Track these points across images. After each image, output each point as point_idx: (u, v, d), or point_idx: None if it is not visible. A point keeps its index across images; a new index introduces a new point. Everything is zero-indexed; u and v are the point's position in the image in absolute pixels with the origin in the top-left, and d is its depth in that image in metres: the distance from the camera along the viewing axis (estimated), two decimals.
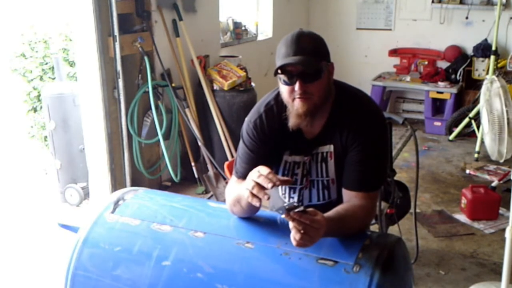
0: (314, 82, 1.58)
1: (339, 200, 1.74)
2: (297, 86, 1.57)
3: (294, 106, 1.61)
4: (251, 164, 1.72)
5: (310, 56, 1.56)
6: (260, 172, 1.43)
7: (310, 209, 1.41)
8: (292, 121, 1.64)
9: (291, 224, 1.37)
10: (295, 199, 1.85)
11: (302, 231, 1.36)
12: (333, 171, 1.74)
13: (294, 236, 1.37)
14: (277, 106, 1.71)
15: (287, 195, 1.87)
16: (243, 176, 1.72)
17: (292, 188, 1.84)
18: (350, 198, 1.65)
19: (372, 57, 6.28)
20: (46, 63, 4.55)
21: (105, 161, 3.58)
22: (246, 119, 1.79)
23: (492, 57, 4.54)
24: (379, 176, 1.72)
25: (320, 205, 1.81)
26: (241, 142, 1.79)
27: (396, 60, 6.16)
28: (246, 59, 4.73)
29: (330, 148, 1.72)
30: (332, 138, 1.71)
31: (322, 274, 1.45)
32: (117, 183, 3.65)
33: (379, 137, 1.70)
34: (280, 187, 1.87)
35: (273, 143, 1.75)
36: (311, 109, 1.61)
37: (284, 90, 1.63)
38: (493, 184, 3.89)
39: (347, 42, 6.37)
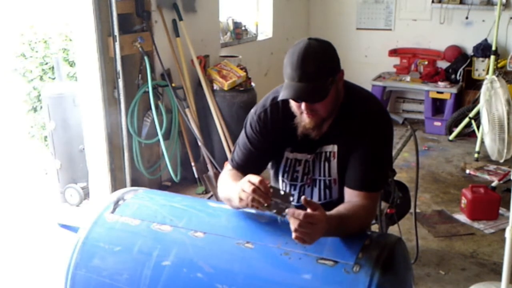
0: (320, 102, 1.60)
1: (340, 200, 1.75)
2: (303, 106, 1.61)
3: (302, 119, 1.65)
4: (248, 156, 1.78)
5: (314, 82, 1.56)
6: (252, 183, 1.46)
7: (312, 202, 1.41)
8: (300, 130, 1.68)
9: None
10: (295, 197, 1.86)
11: (298, 227, 1.37)
12: (336, 171, 1.75)
13: (292, 230, 1.39)
14: (283, 103, 1.72)
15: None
16: (237, 167, 1.79)
17: (292, 185, 1.85)
18: (351, 197, 1.66)
19: (372, 57, 6.27)
20: (46, 63, 4.55)
21: (105, 161, 3.58)
22: (252, 110, 1.81)
23: (492, 57, 4.54)
24: (381, 176, 1.73)
25: (321, 205, 1.82)
26: (243, 131, 1.81)
27: (396, 60, 6.16)
28: (246, 59, 4.73)
29: (333, 148, 1.73)
30: (336, 139, 1.73)
31: (322, 274, 1.45)
32: (117, 183, 3.65)
33: (384, 139, 1.71)
34: (281, 183, 1.89)
35: (274, 139, 1.77)
36: (319, 123, 1.66)
37: (291, 102, 1.66)
38: (493, 184, 3.90)
39: (347, 42, 6.36)
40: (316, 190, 1.81)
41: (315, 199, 1.83)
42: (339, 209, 1.57)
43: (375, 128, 1.68)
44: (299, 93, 1.55)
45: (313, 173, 1.79)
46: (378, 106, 1.75)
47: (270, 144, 1.77)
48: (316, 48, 1.59)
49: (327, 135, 1.73)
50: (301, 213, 1.36)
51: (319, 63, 1.57)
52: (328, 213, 1.48)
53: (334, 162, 1.74)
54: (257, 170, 1.83)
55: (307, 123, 1.64)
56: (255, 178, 1.48)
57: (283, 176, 1.84)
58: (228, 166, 1.83)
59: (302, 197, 1.40)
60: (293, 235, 1.38)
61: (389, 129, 1.74)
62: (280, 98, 1.61)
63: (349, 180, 1.69)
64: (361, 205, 1.62)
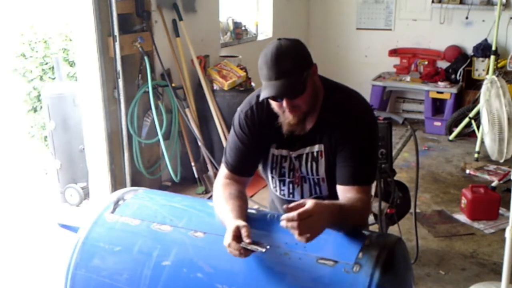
0: (300, 96, 1.63)
1: (330, 196, 1.78)
2: (284, 103, 1.63)
3: (285, 117, 1.68)
4: (240, 155, 1.80)
5: (291, 78, 1.59)
6: (228, 242, 1.48)
7: (296, 204, 1.41)
8: (285, 129, 1.71)
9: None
10: (285, 192, 1.88)
11: (297, 227, 1.37)
12: (324, 170, 1.78)
13: (294, 233, 1.39)
14: (267, 101, 1.74)
15: (278, 188, 1.90)
16: (232, 168, 1.81)
17: (281, 181, 1.86)
18: (345, 193, 1.68)
19: (372, 57, 6.27)
20: (46, 63, 4.55)
21: (105, 161, 3.58)
22: (238, 109, 1.84)
23: (492, 57, 4.54)
24: (371, 169, 1.76)
25: (312, 199, 1.83)
26: (232, 131, 1.84)
27: (396, 60, 6.16)
28: (246, 59, 4.73)
29: (320, 147, 1.76)
30: (322, 137, 1.75)
31: (322, 274, 1.45)
32: (117, 183, 3.65)
33: (369, 133, 1.74)
34: (271, 180, 1.90)
35: (261, 135, 1.79)
36: (302, 117, 1.68)
37: (272, 102, 1.69)
38: (493, 184, 3.90)
39: (347, 42, 6.37)
40: (306, 186, 1.83)
41: (306, 195, 1.85)
42: (337, 201, 1.59)
43: (360, 124, 1.71)
44: (279, 90, 1.58)
45: (300, 171, 1.80)
46: (360, 101, 1.77)
47: (259, 140, 1.80)
48: (288, 46, 1.62)
49: (313, 134, 1.75)
50: (294, 214, 1.37)
51: (293, 59, 1.61)
52: (327, 202, 1.49)
53: (322, 161, 1.76)
54: (251, 168, 1.85)
55: (290, 119, 1.66)
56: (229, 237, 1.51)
57: (271, 173, 1.87)
58: (222, 170, 1.84)
59: (284, 206, 1.41)
60: (296, 237, 1.38)
61: (374, 123, 1.78)
62: (261, 98, 1.64)
63: (340, 178, 1.71)
64: (356, 198, 1.64)
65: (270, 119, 1.74)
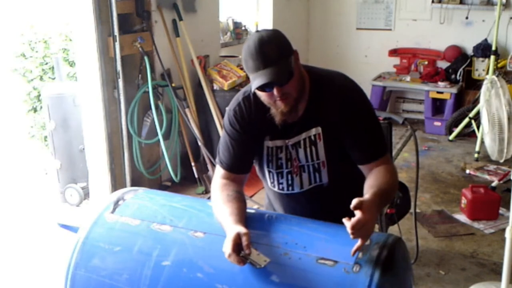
0: (289, 82, 1.64)
1: (330, 184, 1.80)
2: (275, 91, 1.64)
3: (277, 107, 1.69)
4: (233, 152, 1.81)
5: (278, 64, 1.60)
6: (227, 251, 1.49)
7: (357, 204, 1.42)
8: (279, 118, 1.72)
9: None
10: (284, 185, 1.88)
11: (352, 236, 1.42)
12: (323, 153, 1.78)
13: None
14: (254, 95, 1.76)
15: (276, 182, 1.89)
16: (227, 167, 1.81)
17: (279, 173, 1.86)
18: (371, 169, 1.73)
19: (372, 57, 6.27)
20: (46, 63, 4.56)
21: (105, 161, 3.58)
22: (227, 108, 1.86)
23: (492, 57, 4.54)
24: (382, 138, 1.81)
25: (312, 188, 1.84)
26: (223, 131, 1.87)
27: (396, 60, 6.16)
28: None
29: (317, 130, 1.77)
30: (318, 121, 1.76)
31: (322, 274, 1.45)
32: (117, 183, 3.65)
33: (365, 105, 1.78)
34: (268, 175, 1.90)
35: (253, 130, 1.80)
36: (293, 104, 1.70)
37: (261, 95, 1.70)
38: (493, 184, 3.89)
39: (347, 42, 6.37)
40: (305, 175, 1.83)
41: (305, 185, 1.85)
42: (371, 185, 1.62)
43: (354, 100, 1.74)
44: (270, 77, 1.59)
45: (298, 159, 1.80)
46: (345, 79, 1.80)
47: (251, 136, 1.81)
48: (269, 35, 1.64)
49: (306, 119, 1.76)
50: (348, 226, 1.41)
51: (276, 46, 1.63)
52: (368, 198, 1.51)
53: (320, 144, 1.77)
54: (246, 164, 1.85)
55: (283, 108, 1.67)
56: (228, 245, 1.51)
57: (268, 167, 1.86)
58: (218, 171, 1.84)
59: (351, 205, 1.42)
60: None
61: (363, 94, 1.80)
62: (252, 88, 1.65)
63: (360, 158, 1.76)
64: (383, 169, 1.70)
65: (259, 112, 1.76)
